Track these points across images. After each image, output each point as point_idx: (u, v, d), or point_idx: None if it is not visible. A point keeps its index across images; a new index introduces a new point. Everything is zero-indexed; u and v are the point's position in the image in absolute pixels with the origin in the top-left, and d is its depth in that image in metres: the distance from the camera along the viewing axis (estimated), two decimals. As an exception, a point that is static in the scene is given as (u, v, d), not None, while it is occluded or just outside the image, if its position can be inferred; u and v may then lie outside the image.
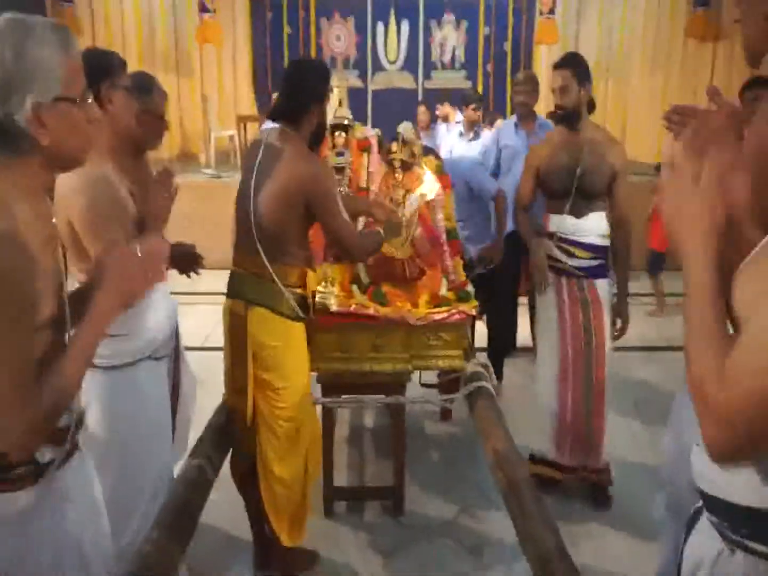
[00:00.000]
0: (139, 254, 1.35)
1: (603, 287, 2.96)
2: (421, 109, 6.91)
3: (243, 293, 2.36)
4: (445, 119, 6.73)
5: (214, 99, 9.60)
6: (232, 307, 2.39)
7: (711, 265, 0.96)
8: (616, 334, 2.97)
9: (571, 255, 2.92)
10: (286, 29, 9.81)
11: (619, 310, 2.95)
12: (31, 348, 1.20)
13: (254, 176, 2.30)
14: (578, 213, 2.90)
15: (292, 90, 2.28)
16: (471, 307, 2.82)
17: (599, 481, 3.06)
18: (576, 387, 2.95)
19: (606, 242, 2.93)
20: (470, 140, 5.18)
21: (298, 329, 2.43)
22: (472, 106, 5.04)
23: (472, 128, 5.08)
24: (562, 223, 2.92)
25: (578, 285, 2.95)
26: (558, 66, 2.86)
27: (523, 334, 4.61)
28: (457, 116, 6.68)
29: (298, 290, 2.39)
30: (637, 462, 3.33)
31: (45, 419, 1.22)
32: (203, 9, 8.36)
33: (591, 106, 2.89)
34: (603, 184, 2.87)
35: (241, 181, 2.39)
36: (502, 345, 4.10)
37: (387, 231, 2.60)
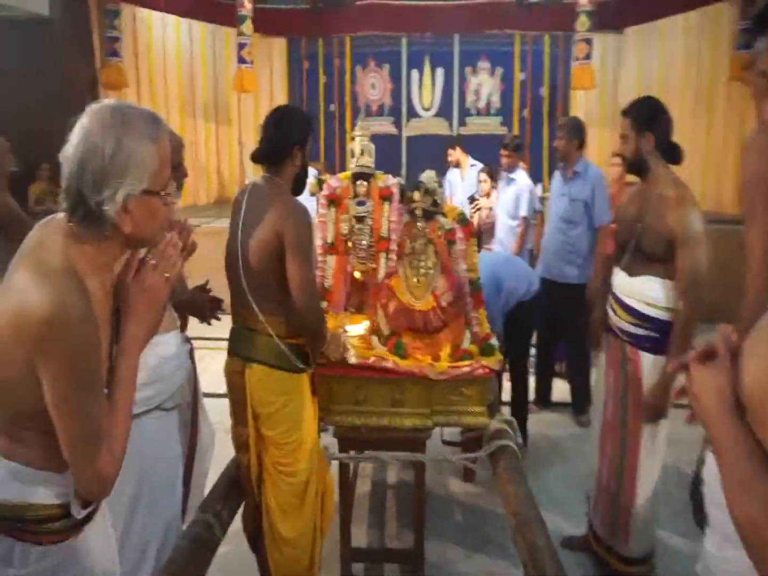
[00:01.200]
0: (154, 262, 1.40)
1: (648, 363, 2.64)
2: (457, 150, 6.95)
3: (239, 350, 2.35)
4: (456, 165, 6.80)
5: (250, 146, 9.86)
6: (230, 365, 2.39)
7: (734, 426, 0.97)
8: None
9: (617, 314, 2.77)
10: (322, 78, 10.09)
11: (654, 393, 2.62)
12: (102, 408, 1.31)
13: (240, 225, 2.31)
14: (631, 271, 2.70)
15: (274, 134, 2.32)
16: (495, 362, 2.75)
17: (627, 574, 2.80)
18: (611, 455, 2.81)
19: (654, 312, 2.62)
20: (507, 184, 5.22)
21: (301, 381, 2.40)
22: (506, 153, 5.16)
23: (509, 173, 5.21)
24: (617, 277, 2.79)
25: (621, 348, 2.75)
26: (622, 113, 2.80)
27: (561, 387, 4.51)
28: (469, 160, 6.76)
29: (296, 341, 2.36)
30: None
31: (113, 470, 1.32)
32: (241, 60, 8.66)
33: (672, 156, 2.65)
34: (660, 246, 2.57)
35: (229, 232, 2.41)
36: (523, 400, 3.99)
37: (330, 345, 2.61)
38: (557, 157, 4.37)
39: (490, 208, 5.47)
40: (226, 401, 4.83)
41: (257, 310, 2.29)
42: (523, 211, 5.12)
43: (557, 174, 4.46)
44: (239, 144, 9.67)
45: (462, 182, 6.43)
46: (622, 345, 2.74)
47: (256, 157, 2.36)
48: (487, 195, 5.55)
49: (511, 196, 5.15)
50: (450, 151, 7.21)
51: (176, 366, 2.23)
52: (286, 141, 2.31)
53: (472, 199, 5.61)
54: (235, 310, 2.40)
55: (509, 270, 3.74)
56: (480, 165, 7.35)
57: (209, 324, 2.58)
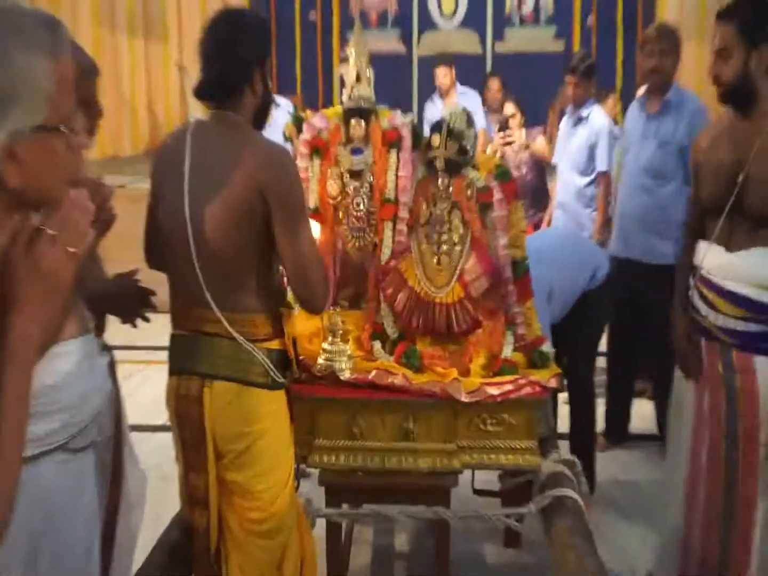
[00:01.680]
0: (53, 232, 1.35)
1: (766, 371, 2.70)
2: (494, 84, 7.05)
3: (192, 365, 2.37)
4: (445, 92, 7.12)
5: (195, 71, 9.86)
6: (178, 387, 2.39)
7: None
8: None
9: (712, 307, 2.77)
10: (298, -28, 10.10)
11: None
12: None
13: (186, 185, 2.31)
14: (731, 244, 2.73)
15: (223, 54, 2.32)
16: (550, 377, 2.77)
17: None
18: (709, 504, 2.83)
19: None
20: (575, 125, 5.24)
21: (279, 401, 2.43)
22: (574, 79, 5.18)
23: (578, 108, 5.26)
24: (708, 255, 2.78)
25: (723, 357, 2.76)
26: (717, 17, 2.78)
27: (643, 413, 4.51)
28: (458, 87, 7.11)
29: (273, 344, 2.39)
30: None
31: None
32: (180, -53, 8.67)
33: None
34: None
35: (157, 198, 2.41)
36: (588, 431, 4.01)
37: None
38: (653, 84, 4.28)
39: (527, 147, 5.52)
40: (162, 437, 4.83)
41: (216, 306, 2.31)
42: (603, 164, 5.14)
43: (635, 107, 4.44)
44: (179, 69, 9.70)
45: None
46: (724, 350, 2.76)
47: (203, 92, 2.37)
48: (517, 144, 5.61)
49: (582, 142, 5.19)
50: (441, 71, 7.35)
51: (89, 387, 2.24)
52: (240, 61, 2.32)
53: (502, 127, 5.62)
54: (180, 308, 2.41)
55: (564, 263, 3.74)
56: (472, 93, 7.52)
57: (134, 326, 2.59)
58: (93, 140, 2.49)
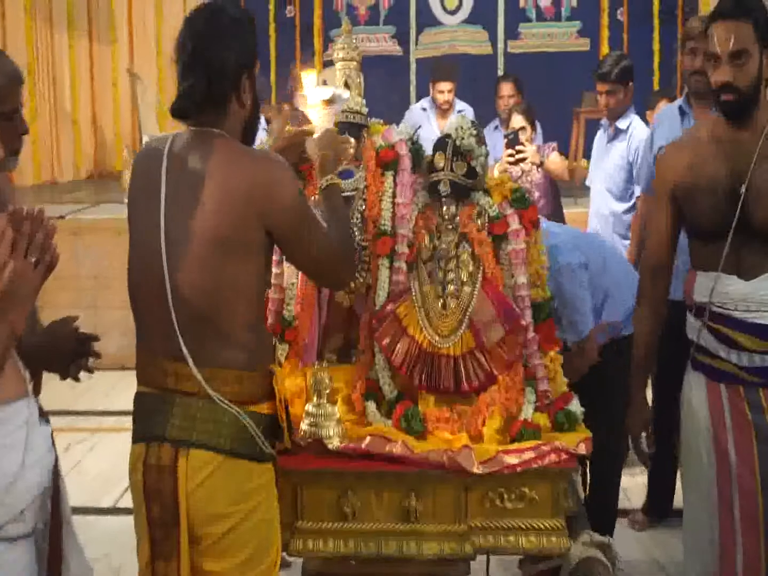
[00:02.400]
0: None
1: None
2: (506, 87, 7.10)
3: (164, 429, 2.37)
4: (447, 107, 7.41)
5: (150, 78, 9.97)
6: (148, 455, 2.38)
7: None
8: None
9: (733, 345, 2.85)
10: (273, -40, 10.23)
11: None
12: None
13: (162, 219, 2.34)
14: (746, 270, 2.82)
15: (205, 60, 2.35)
16: (579, 441, 2.78)
17: None
18: (748, 561, 2.84)
19: None
20: (611, 140, 5.30)
21: (267, 475, 2.44)
22: (607, 86, 5.24)
23: (614, 120, 5.29)
24: (718, 288, 2.85)
25: (750, 400, 2.84)
26: (725, 14, 2.86)
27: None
28: (456, 103, 7.31)
29: (262, 407, 2.41)
30: None
31: None
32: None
33: None
34: None
35: (133, 235, 2.45)
36: (607, 511, 4.01)
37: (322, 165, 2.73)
38: (696, 88, 4.32)
39: (540, 165, 5.55)
40: (111, 522, 4.81)
41: (193, 360, 2.32)
42: (644, 184, 5.18)
43: (684, 116, 4.46)
44: (129, 76, 9.79)
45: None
46: (749, 391, 2.84)
47: (182, 109, 2.40)
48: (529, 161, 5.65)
49: (619, 161, 5.24)
50: (445, 86, 7.45)
51: (29, 461, 2.25)
52: (226, 68, 2.35)
53: (511, 142, 5.63)
54: (149, 361, 2.43)
55: (620, 279, 3.79)
56: (469, 110, 7.63)
57: (77, 380, 2.59)
58: (16, 161, 2.51)
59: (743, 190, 2.76)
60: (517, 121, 5.83)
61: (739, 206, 2.77)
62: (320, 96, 2.75)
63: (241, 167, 2.33)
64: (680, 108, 4.41)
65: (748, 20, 2.75)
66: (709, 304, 2.87)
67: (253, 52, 2.45)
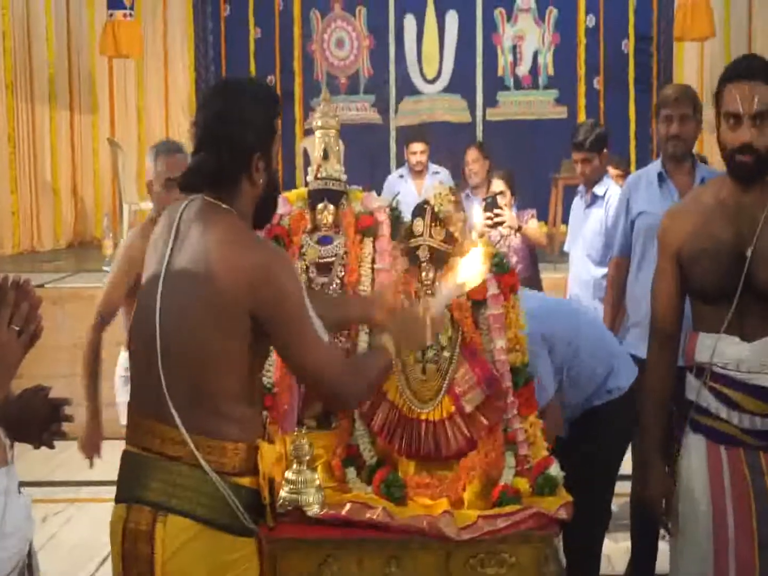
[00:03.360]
0: None
1: None
2: (471, 153, 7.22)
3: (145, 492, 2.36)
4: (419, 170, 7.55)
5: (131, 147, 10.03)
6: (128, 518, 2.37)
7: None
8: None
9: (735, 407, 2.87)
10: (254, 31, 10.38)
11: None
12: None
13: (160, 286, 2.37)
14: (749, 332, 2.84)
15: (221, 135, 2.38)
16: (559, 506, 2.78)
17: None
18: None
19: None
20: (588, 206, 5.40)
21: (248, 550, 2.42)
22: (582, 155, 5.34)
23: (591, 187, 5.40)
24: (721, 349, 2.88)
25: (749, 463, 2.85)
26: (743, 75, 2.91)
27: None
28: (431, 166, 7.37)
29: (244, 480, 2.40)
30: None
31: None
32: (114, 4, 8.89)
33: None
34: None
35: (137, 298, 2.48)
36: (593, 574, 4.00)
37: (403, 339, 2.63)
38: (672, 153, 4.40)
39: (518, 230, 5.61)
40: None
41: (182, 425, 2.32)
42: (617, 249, 5.23)
43: (663, 183, 4.52)
44: (111, 145, 9.86)
45: (418, 200, 6.60)
46: (749, 454, 2.85)
47: (190, 184, 2.44)
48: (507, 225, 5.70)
49: (597, 227, 5.30)
50: (417, 147, 7.57)
51: (4, 532, 2.24)
52: (238, 148, 2.37)
53: (489, 206, 5.67)
54: (137, 420, 2.43)
55: (586, 349, 3.80)
56: (444, 172, 7.76)
57: (51, 446, 2.58)
58: None
59: (749, 253, 2.79)
60: (498, 185, 5.90)
61: (745, 269, 2.79)
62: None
63: (242, 259, 2.33)
64: (659, 174, 4.47)
65: (766, 82, 2.81)
66: (710, 364, 2.89)
67: (269, 132, 2.46)
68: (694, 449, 2.97)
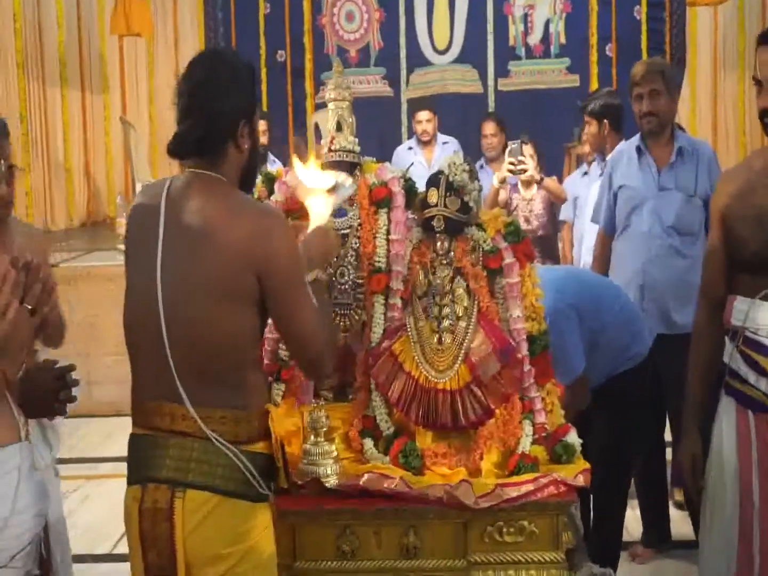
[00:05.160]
0: None
1: None
2: (489, 126, 7.19)
3: (159, 471, 2.37)
4: (426, 140, 7.59)
5: (142, 126, 10.03)
6: (143, 498, 2.38)
7: None
8: None
9: (763, 372, 2.82)
10: (263, 7, 10.34)
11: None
12: None
13: (159, 263, 2.37)
14: None
15: (201, 105, 2.40)
16: (577, 473, 2.79)
17: None
18: None
19: None
20: (584, 174, 5.41)
21: (263, 516, 2.44)
22: (585, 118, 5.42)
23: (605, 158, 5.37)
24: (755, 313, 2.85)
25: None
26: (760, 39, 2.89)
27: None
28: (439, 136, 7.38)
29: (257, 446, 2.42)
30: None
31: None
32: (124, -16, 8.90)
33: None
34: None
35: (130, 278, 2.48)
36: (614, 540, 4.04)
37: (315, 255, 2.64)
38: (647, 129, 4.43)
39: (540, 182, 5.62)
40: (106, 569, 4.77)
41: (190, 400, 2.34)
42: (602, 222, 5.21)
43: (642, 156, 4.52)
44: (122, 124, 9.86)
45: (428, 170, 6.58)
46: None
47: (177, 149, 2.44)
48: (529, 184, 5.70)
49: None
50: (424, 115, 7.60)
51: (17, 509, 2.25)
52: (222, 112, 2.39)
53: (513, 152, 5.63)
54: (144, 402, 2.43)
55: (619, 317, 3.83)
56: (453, 142, 7.75)
57: (63, 413, 2.60)
58: (7, 212, 2.52)
59: None
60: (527, 149, 5.87)
61: None
62: (321, 184, 2.75)
63: (240, 218, 2.35)
64: (638, 147, 4.51)
65: None
66: (742, 328, 2.87)
67: (250, 101, 2.49)
68: (726, 412, 2.96)
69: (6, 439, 2.22)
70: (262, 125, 7.14)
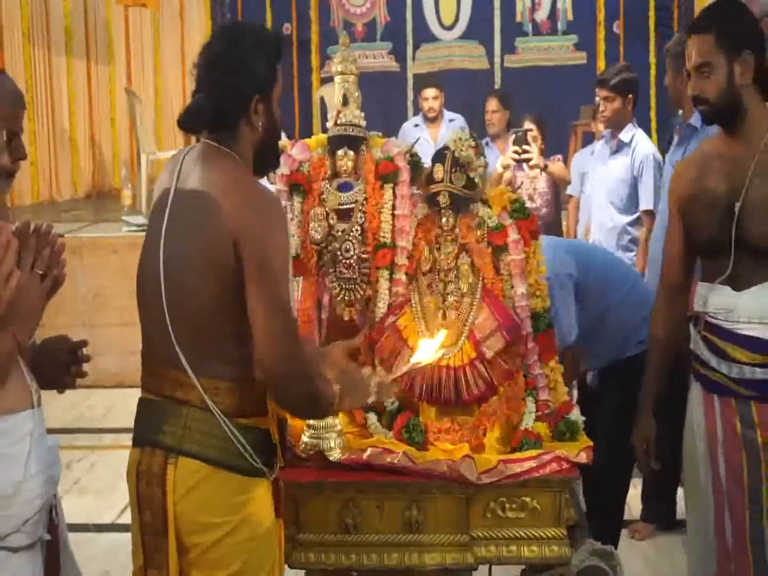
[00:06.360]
0: None
1: None
2: (491, 102, 7.19)
3: (157, 435, 2.39)
4: (433, 117, 7.62)
5: (147, 97, 10.02)
6: (141, 460, 2.41)
7: None
8: None
9: (723, 356, 2.89)
10: (269, -21, 10.30)
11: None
12: None
13: (163, 231, 2.38)
14: (739, 282, 2.86)
15: (220, 77, 2.37)
16: (579, 450, 2.80)
17: None
18: None
19: None
20: (614, 152, 5.36)
21: (259, 491, 2.44)
22: (604, 92, 5.27)
23: (617, 131, 5.33)
24: (713, 298, 2.90)
25: (741, 413, 2.85)
26: (693, 30, 2.92)
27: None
28: (446, 113, 7.45)
29: (252, 421, 2.42)
30: None
31: None
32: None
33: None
34: None
35: (143, 243, 2.48)
36: (615, 517, 4.05)
37: (346, 395, 2.53)
38: (670, 103, 4.42)
39: (544, 168, 5.62)
40: (110, 538, 4.79)
41: (189, 368, 2.34)
42: (648, 201, 5.20)
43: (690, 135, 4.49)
44: (128, 95, 9.83)
45: (434, 148, 6.58)
46: (741, 405, 2.86)
47: (188, 123, 2.43)
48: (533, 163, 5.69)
49: (623, 174, 5.28)
50: (430, 92, 7.60)
51: (29, 474, 2.27)
52: (237, 86, 2.37)
53: (518, 140, 5.64)
54: (150, 368, 2.46)
55: (627, 297, 3.83)
56: (460, 119, 7.77)
57: (73, 387, 2.62)
58: (9, 184, 2.52)
59: (736, 208, 2.80)
60: (528, 125, 5.88)
61: (734, 222, 2.80)
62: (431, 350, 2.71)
63: (234, 193, 2.33)
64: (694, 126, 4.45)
65: (708, 33, 2.83)
66: (703, 314, 2.93)
67: (270, 77, 2.45)
68: (695, 398, 3.01)
69: (19, 405, 2.24)
70: None
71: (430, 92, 7.63)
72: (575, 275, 3.65)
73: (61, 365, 2.52)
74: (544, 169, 5.77)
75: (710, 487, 2.92)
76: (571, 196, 6.11)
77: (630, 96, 5.28)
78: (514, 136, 5.66)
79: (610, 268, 4.05)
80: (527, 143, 5.57)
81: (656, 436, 3.19)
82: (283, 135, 6.40)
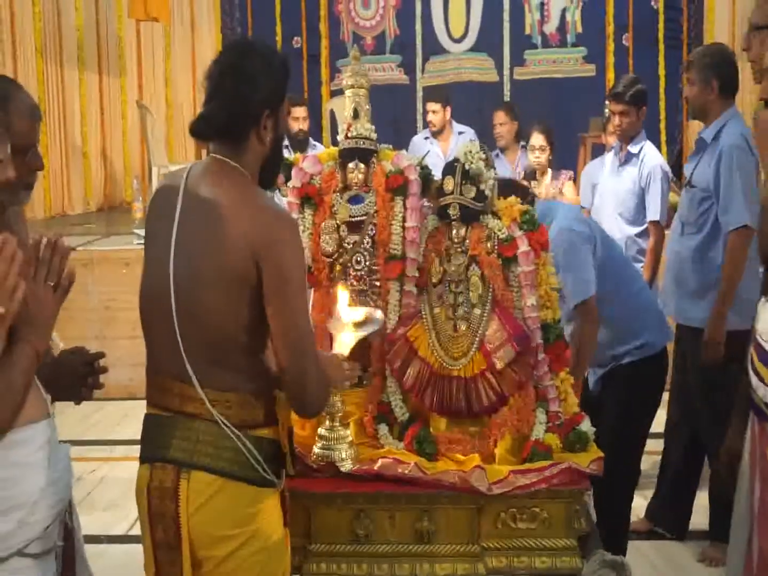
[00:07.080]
0: None
1: None
2: (498, 115, 7.22)
3: (167, 451, 2.40)
4: (438, 130, 7.61)
5: (159, 110, 10.05)
6: (152, 477, 2.42)
7: None
8: None
9: (762, 379, 2.77)
10: (279, -8, 10.33)
11: None
12: None
13: (173, 244, 2.39)
14: None
15: (234, 86, 2.39)
16: (590, 461, 2.81)
17: None
18: None
19: None
20: (623, 164, 5.36)
21: (270, 502, 2.46)
22: (620, 107, 5.25)
23: (627, 143, 5.32)
24: (764, 314, 2.80)
25: None
26: (752, 26, 2.89)
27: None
28: (455, 126, 7.50)
29: (264, 432, 2.43)
30: None
31: None
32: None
33: None
34: None
35: (147, 256, 2.50)
36: (621, 528, 4.05)
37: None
38: (690, 113, 4.43)
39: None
40: (121, 550, 4.79)
41: (198, 382, 2.36)
42: (655, 212, 5.20)
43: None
44: (139, 108, 9.88)
45: (444, 161, 6.63)
46: None
47: (200, 130, 2.45)
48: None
49: (631, 186, 5.28)
50: (432, 106, 7.60)
51: (50, 479, 2.28)
52: (249, 98, 2.39)
53: (527, 177, 5.73)
54: (157, 382, 2.46)
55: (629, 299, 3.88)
56: (469, 131, 7.76)
57: (90, 398, 2.64)
58: (28, 195, 2.55)
59: None
60: (538, 139, 5.91)
61: None
62: (352, 317, 2.75)
63: (250, 209, 2.36)
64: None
65: None
66: (759, 333, 2.80)
67: (279, 94, 2.49)
68: (750, 415, 2.91)
69: (38, 415, 2.26)
70: (302, 112, 7.24)
71: (430, 106, 7.69)
72: (600, 251, 3.75)
73: (79, 377, 2.55)
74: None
75: (748, 511, 2.88)
76: (583, 208, 6.12)
77: (643, 108, 5.30)
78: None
79: (626, 265, 4.13)
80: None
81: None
82: (319, 145, 6.52)
